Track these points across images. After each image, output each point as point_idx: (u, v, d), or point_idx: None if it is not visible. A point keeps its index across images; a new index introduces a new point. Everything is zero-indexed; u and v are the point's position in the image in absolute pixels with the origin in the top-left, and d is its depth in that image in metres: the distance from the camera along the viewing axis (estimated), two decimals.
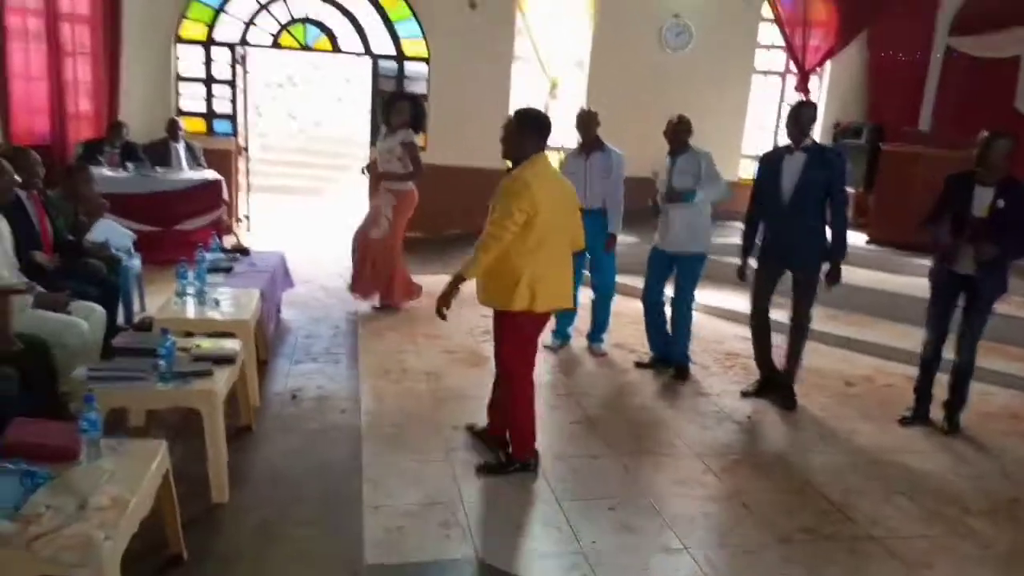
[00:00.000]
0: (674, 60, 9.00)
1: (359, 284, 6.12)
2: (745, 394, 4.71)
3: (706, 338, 5.70)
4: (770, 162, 4.50)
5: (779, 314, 4.67)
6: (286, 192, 11.12)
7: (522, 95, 9.06)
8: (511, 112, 3.49)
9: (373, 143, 8.19)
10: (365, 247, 6.06)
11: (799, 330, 4.56)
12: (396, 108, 5.98)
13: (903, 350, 5.50)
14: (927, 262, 6.68)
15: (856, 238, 7.08)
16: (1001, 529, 3.32)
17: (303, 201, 10.95)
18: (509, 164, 3.47)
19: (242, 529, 3.00)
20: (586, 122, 5.29)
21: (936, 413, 4.40)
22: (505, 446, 3.62)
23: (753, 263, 4.67)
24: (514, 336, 3.47)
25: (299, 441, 3.80)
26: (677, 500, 3.38)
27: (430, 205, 8.70)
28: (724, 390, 4.78)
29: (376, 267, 6.06)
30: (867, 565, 2.97)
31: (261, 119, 12.77)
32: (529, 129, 3.38)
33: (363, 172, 6.53)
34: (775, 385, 4.70)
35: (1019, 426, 4.48)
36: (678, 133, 4.80)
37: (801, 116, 4.34)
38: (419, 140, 6.05)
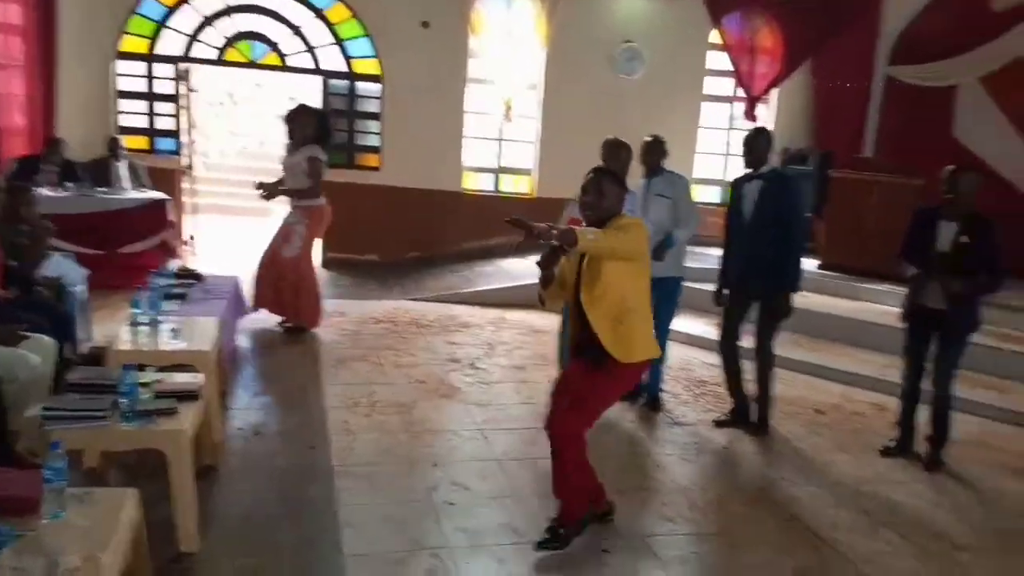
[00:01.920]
0: (627, 84, 9.07)
1: (263, 299, 5.88)
2: (718, 423, 4.69)
3: (675, 366, 5.68)
4: (735, 188, 4.55)
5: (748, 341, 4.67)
6: (230, 213, 10.74)
7: (476, 117, 9.00)
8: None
9: None
10: (272, 264, 5.84)
11: (762, 360, 4.57)
12: (300, 123, 5.72)
13: (868, 377, 5.58)
14: (880, 287, 6.92)
15: (807, 264, 7.20)
16: (989, 563, 3.32)
17: (248, 222, 10.57)
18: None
19: None
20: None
21: (919, 445, 4.37)
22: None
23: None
24: (617, 392, 3.21)
25: (268, 481, 3.58)
26: (668, 540, 3.29)
27: (385, 229, 8.57)
28: (699, 419, 4.75)
29: (284, 285, 5.83)
30: None
31: (202, 138, 12.34)
32: (620, 188, 3.12)
33: (257, 188, 5.88)
34: (746, 413, 4.69)
35: (993, 455, 4.51)
36: (651, 154, 4.69)
37: (755, 143, 4.38)
38: (323, 155, 5.75)
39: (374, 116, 8.68)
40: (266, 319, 5.96)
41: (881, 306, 6.65)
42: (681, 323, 6.51)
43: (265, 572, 2.85)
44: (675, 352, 6.06)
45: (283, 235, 5.86)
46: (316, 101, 8.53)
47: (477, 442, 4.15)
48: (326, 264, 8.06)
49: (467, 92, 8.81)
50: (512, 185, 9.23)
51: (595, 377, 3.04)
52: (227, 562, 2.89)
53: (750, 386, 4.64)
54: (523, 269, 8.22)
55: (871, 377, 5.54)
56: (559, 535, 3.10)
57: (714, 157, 10.05)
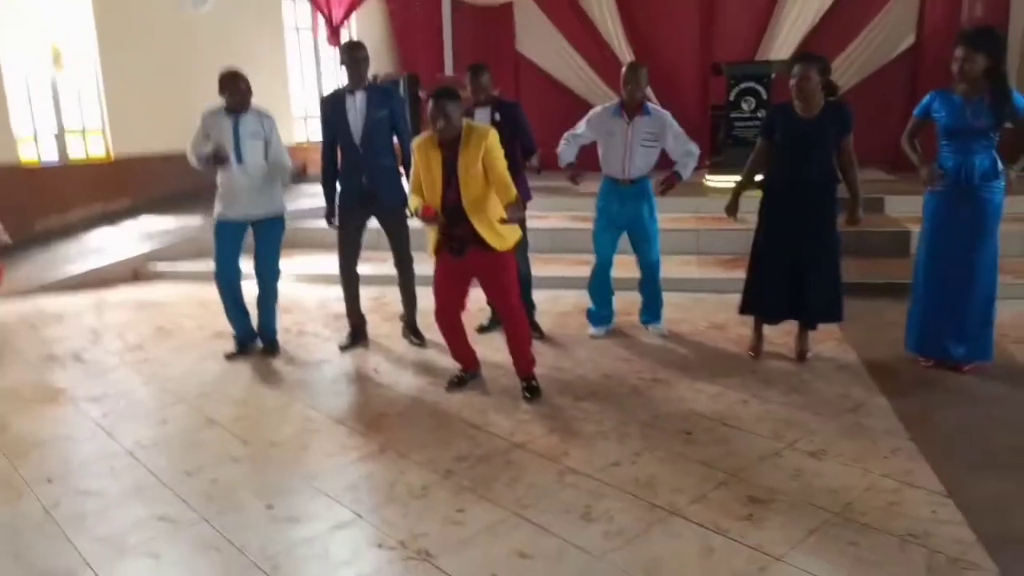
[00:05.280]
0: (199, 20, 8.30)
1: None
2: (343, 348, 4.73)
3: (310, 307, 5.53)
4: (334, 104, 4.45)
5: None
6: None
7: (17, 67, 7.52)
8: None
9: None
10: None
11: (405, 271, 4.67)
12: None
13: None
14: None
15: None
16: (604, 406, 3.80)
17: None
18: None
19: None
20: (640, 78, 4.42)
21: None
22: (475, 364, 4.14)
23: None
24: (514, 266, 3.85)
25: None
26: (333, 473, 3.21)
27: None
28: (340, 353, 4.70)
29: None
30: (522, 471, 3.17)
31: None
32: (460, 102, 3.61)
33: None
34: (363, 332, 4.82)
35: (580, 318, 5.08)
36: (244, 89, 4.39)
37: (357, 54, 4.38)
38: None
39: None
40: None
41: None
42: (309, 262, 6.39)
43: None
44: (309, 292, 5.94)
45: None
46: None
47: (98, 440, 3.59)
48: None
49: None
50: (82, 149, 7.99)
51: (494, 268, 3.76)
52: None
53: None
54: (114, 242, 7.28)
55: None
56: (537, 387, 3.92)
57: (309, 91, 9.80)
